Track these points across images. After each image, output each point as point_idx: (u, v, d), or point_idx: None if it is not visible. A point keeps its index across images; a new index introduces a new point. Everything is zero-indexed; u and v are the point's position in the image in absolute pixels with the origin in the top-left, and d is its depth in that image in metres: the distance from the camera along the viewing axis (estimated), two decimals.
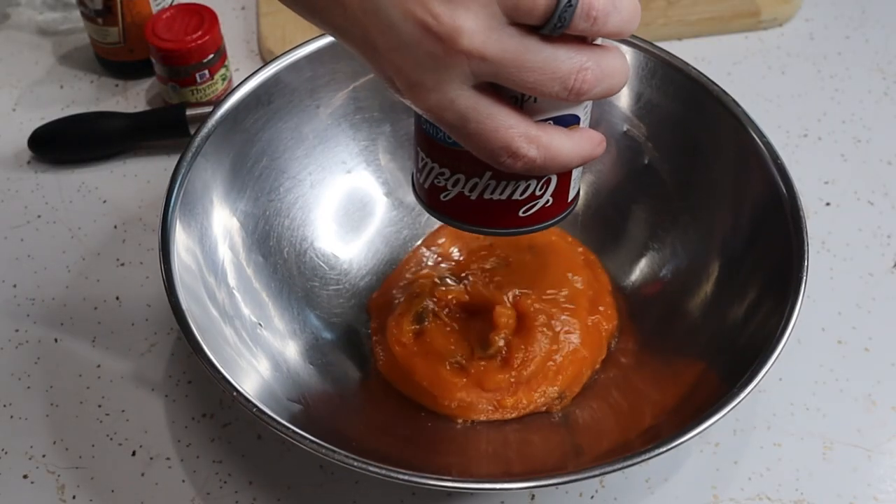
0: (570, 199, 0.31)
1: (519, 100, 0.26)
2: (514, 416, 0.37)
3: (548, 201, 0.30)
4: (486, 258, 0.41)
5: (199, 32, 0.48)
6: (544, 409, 0.38)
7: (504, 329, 0.38)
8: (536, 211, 0.29)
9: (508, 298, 0.38)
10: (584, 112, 0.28)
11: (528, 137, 0.26)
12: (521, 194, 0.29)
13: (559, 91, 0.25)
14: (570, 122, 0.28)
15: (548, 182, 0.29)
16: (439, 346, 0.38)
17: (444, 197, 0.29)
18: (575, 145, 0.27)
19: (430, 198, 0.30)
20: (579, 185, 0.31)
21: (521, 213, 0.29)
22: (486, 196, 0.29)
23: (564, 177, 0.30)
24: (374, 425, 0.37)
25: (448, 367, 0.37)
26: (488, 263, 0.41)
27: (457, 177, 0.29)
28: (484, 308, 0.38)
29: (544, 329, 0.38)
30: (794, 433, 0.38)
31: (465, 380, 0.37)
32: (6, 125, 0.50)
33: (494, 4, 0.24)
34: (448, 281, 0.39)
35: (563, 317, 0.38)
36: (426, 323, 0.38)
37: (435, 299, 0.39)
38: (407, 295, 0.39)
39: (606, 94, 0.27)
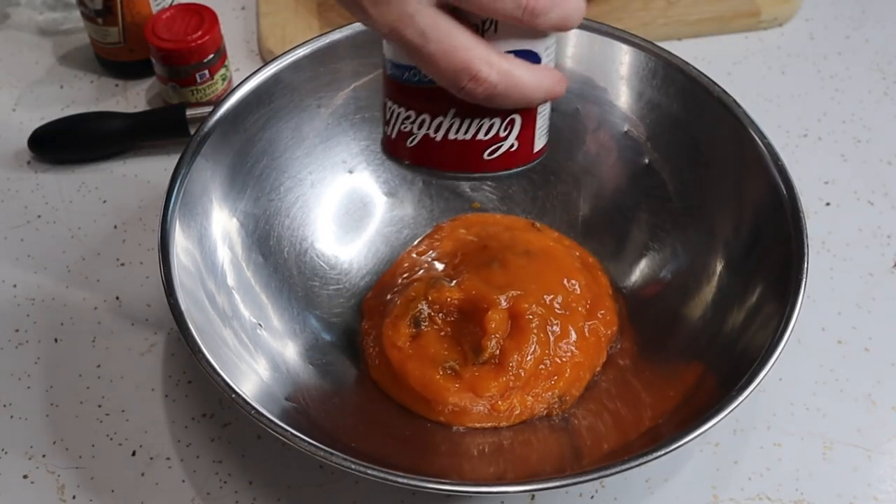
0: (536, 150, 0.31)
1: (480, 28, 0.27)
2: (509, 423, 0.37)
3: (512, 145, 0.30)
4: (481, 259, 0.41)
5: (199, 32, 0.47)
6: (545, 412, 0.38)
7: (495, 333, 0.37)
8: (501, 154, 0.30)
9: (503, 300, 0.38)
10: (545, 52, 0.29)
11: (488, 61, 0.27)
12: (486, 134, 0.29)
13: (513, 9, 0.26)
14: (530, 59, 0.28)
15: (511, 123, 0.29)
16: (433, 352, 0.38)
17: (411, 142, 0.30)
18: (535, 77, 0.28)
19: (397, 147, 0.31)
20: (546, 138, 0.31)
21: (485, 156, 0.30)
22: (451, 136, 0.29)
23: (529, 119, 0.30)
24: (374, 425, 0.37)
25: (441, 373, 0.37)
26: (483, 264, 0.40)
27: (422, 118, 0.29)
28: (478, 309, 0.38)
29: (538, 332, 0.38)
30: (794, 433, 0.38)
31: (458, 385, 0.37)
32: (6, 125, 0.50)
33: None
34: (443, 281, 0.39)
35: (558, 322, 0.38)
36: (423, 327, 0.38)
37: (429, 301, 0.38)
38: (403, 298, 0.39)
39: (562, 24, 0.27)
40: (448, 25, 0.26)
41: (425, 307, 0.38)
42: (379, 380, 0.39)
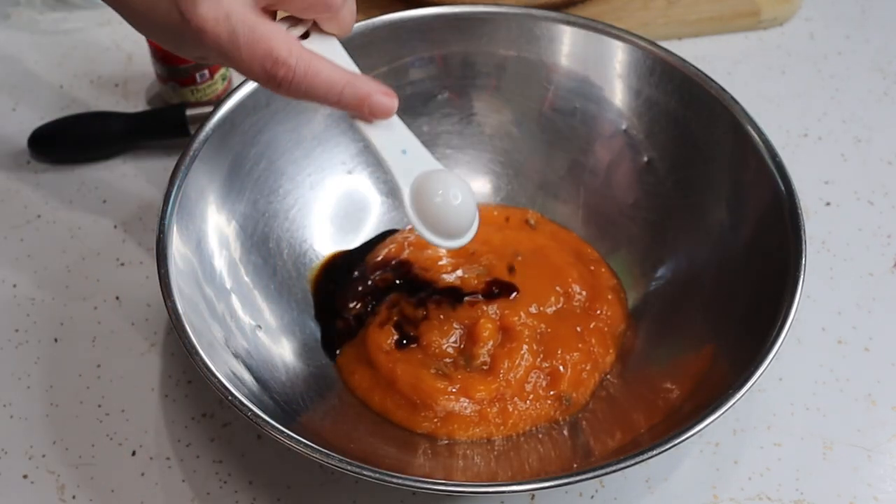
0: None
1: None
2: (505, 433, 0.36)
3: None
4: (470, 267, 0.40)
5: None
6: (550, 418, 0.37)
7: (488, 341, 0.37)
8: None
9: (493, 312, 0.38)
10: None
11: (289, 47, 0.29)
12: None
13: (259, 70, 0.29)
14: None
15: None
16: (422, 357, 0.37)
17: None
18: (334, 71, 0.30)
19: None
20: None
21: None
22: None
23: None
24: (373, 426, 0.37)
25: (433, 371, 0.37)
26: (473, 272, 0.40)
27: None
28: (469, 318, 0.38)
29: (529, 342, 0.37)
30: (794, 433, 0.38)
31: (448, 385, 0.37)
32: (6, 125, 0.50)
33: None
34: (419, 305, 0.38)
35: (550, 327, 0.38)
36: (409, 332, 0.38)
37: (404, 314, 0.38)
38: (386, 303, 0.39)
39: (302, 95, 0.30)
40: (255, 20, 0.28)
41: (410, 311, 0.38)
42: (358, 388, 0.38)
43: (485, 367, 0.37)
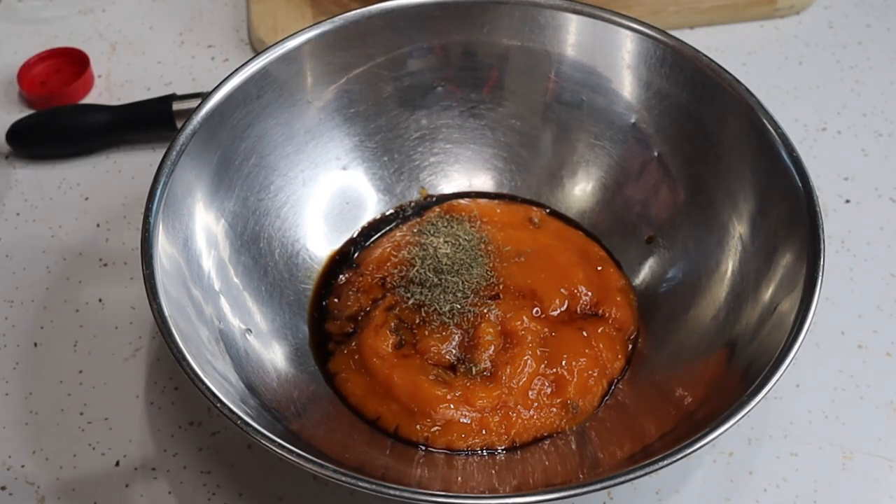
0: None
1: None
2: (508, 442, 0.35)
3: None
4: (471, 267, 0.39)
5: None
6: (555, 427, 0.36)
7: (489, 346, 0.36)
8: None
9: (494, 316, 0.37)
10: None
11: None
12: None
13: None
14: None
15: None
16: (420, 362, 0.36)
17: None
18: None
19: None
20: None
21: None
22: None
23: None
24: (369, 435, 0.36)
25: (433, 377, 0.36)
26: (475, 274, 0.39)
27: None
28: (469, 323, 0.37)
29: (532, 347, 0.36)
30: (812, 442, 0.37)
31: (448, 392, 0.36)
32: None
33: None
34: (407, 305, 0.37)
35: (555, 331, 0.37)
36: (403, 337, 0.37)
37: (400, 318, 0.37)
38: (381, 306, 0.38)
39: None
40: None
41: (407, 315, 0.37)
42: (352, 395, 0.37)
43: (486, 374, 0.36)
